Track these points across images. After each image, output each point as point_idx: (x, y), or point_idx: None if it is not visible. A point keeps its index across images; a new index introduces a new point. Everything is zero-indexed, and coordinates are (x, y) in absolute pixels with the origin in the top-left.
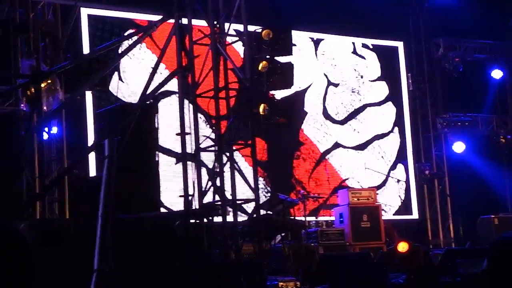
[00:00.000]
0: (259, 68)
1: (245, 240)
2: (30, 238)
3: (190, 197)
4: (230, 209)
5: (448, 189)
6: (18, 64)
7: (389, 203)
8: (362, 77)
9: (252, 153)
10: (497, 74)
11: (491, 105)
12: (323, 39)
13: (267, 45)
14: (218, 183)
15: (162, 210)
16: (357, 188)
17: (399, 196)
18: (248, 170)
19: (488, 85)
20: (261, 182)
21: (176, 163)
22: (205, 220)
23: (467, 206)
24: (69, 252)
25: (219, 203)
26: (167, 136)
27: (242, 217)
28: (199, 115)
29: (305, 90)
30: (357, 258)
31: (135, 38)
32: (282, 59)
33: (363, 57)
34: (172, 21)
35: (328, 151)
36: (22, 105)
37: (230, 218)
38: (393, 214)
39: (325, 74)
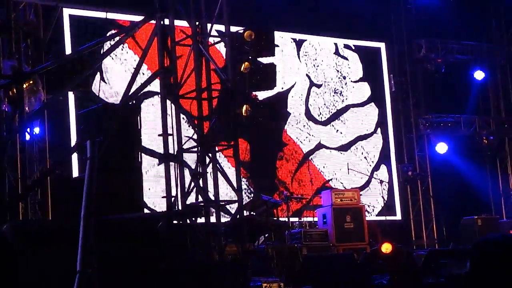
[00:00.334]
0: (242, 69)
1: (228, 240)
2: (12, 239)
3: (173, 198)
4: (213, 209)
5: (431, 190)
6: None
7: (372, 204)
8: (344, 78)
9: (235, 153)
10: (479, 75)
11: (474, 106)
12: (305, 40)
13: (250, 46)
14: (201, 183)
15: (145, 211)
16: (341, 189)
17: (382, 197)
18: (231, 171)
19: (470, 86)
20: (244, 183)
21: (159, 164)
22: (188, 220)
23: (450, 207)
24: (52, 253)
25: (202, 204)
26: (150, 137)
27: (225, 218)
28: (182, 115)
29: (287, 91)
30: (340, 259)
31: (117, 38)
32: (264, 60)
33: (345, 58)
34: (154, 21)
35: (311, 152)
36: (4, 105)
37: (213, 219)
38: (376, 215)
39: (307, 75)
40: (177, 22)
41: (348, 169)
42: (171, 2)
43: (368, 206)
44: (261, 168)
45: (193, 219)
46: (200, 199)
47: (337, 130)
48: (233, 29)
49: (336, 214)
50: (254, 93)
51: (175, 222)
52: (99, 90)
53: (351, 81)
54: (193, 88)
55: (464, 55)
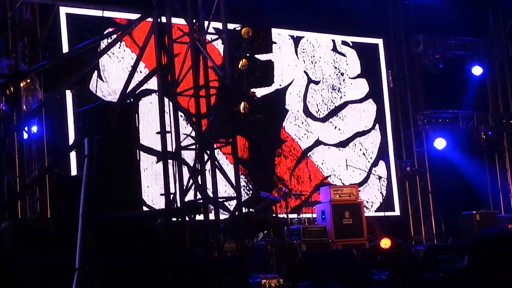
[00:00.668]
0: (239, 66)
1: (227, 237)
2: (11, 237)
3: (171, 195)
4: (211, 207)
5: (429, 186)
6: None
7: (371, 200)
8: (342, 74)
9: (233, 151)
10: (477, 70)
11: (472, 102)
12: (303, 37)
13: (247, 43)
14: (199, 181)
15: (144, 208)
16: (339, 185)
17: (381, 192)
18: (229, 168)
19: (468, 82)
20: (243, 180)
21: (157, 162)
22: (187, 218)
23: (449, 203)
24: (51, 251)
25: (200, 201)
26: (148, 135)
27: (224, 215)
28: (180, 113)
29: (285, 88)
30: (339, 255)
31: (114, 36)
32: (262, 57)
33: (343, 55)
34: (151, 19)
35: (309, 149)
36: (1, 104)
37: (212, 216)
38: (375, 211)
39: (305, 72)
40: (174, 20)
41: (347, 165)
42: None
43: (367, 202)
44: (260, 165)
45: (192, 216)
46: (199, 196)
47: (335, 127)
48: (231, 26)
49: (335, 210)
50: (252, 90)
51: (174, 219)
52: (97, 88)
53: (349, 78)
54: (190, 85)
55: (462, 51)
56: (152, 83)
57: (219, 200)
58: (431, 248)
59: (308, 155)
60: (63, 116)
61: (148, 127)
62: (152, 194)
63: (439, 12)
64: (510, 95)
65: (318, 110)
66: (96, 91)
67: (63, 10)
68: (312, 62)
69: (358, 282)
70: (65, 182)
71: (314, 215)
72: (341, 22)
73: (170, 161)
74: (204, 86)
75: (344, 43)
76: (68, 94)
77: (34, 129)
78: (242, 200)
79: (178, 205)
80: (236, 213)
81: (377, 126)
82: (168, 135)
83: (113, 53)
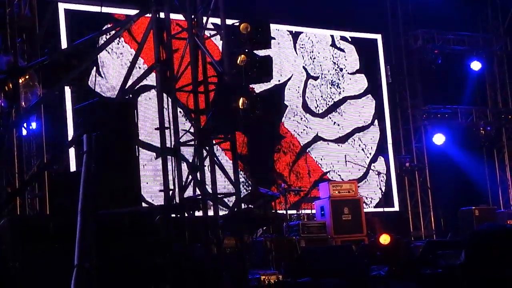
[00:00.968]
0: (238, 61)
1: (226, 233)
2: (10, 234)
3: (170, 192)
4: (211, 203)
5: (428, 181)
6: None
7: (370, 195)
8: (341, 70)
9: (232, 147)
10: (476, 65)
11: (471, 97)
12: (302, 32)
13: (246, 38)
14: (198, 177)
15: (143, 204)
16: (338, 181)
17: (380, 188)
18: (228, 164)
19: (467, 77)
20: (242, 175)
21: (156, 158)
22: (186, 214)
23: (448, 198)
24: (50, 248)
25: (199, 197)
26: (147, 131)
27: (223, 211)
28: (178, 109)
29: (284, 84)
30: (338, 251)
31: (113, 32)
32: (260, 52)
33: (342, 50)
34: (149, 15)
35: (308, 144)
36: (0, 101)
37: (211, 212)
38: (374, 207)
39: (304, 67)
40: (173, 16)
41: (346, 161)
42: None
43: (366, 197)
44: (259, 161)
45: (191, 212)
46: (198, 192)
47: (334, 122)
48: (229, 22)
49: (334, 206)
50: (250, 86)
51: (173, 215)
52: (95, 84)
53: (348, 73)
54: (189, 81)
55: (460, 46)
56: (151, 79)
57: (218, 196)
58: (430, 244)
59: (307, 151)
60: (62, 112)
61: (147, 123)
62: (151, 190)
63: (438, 7)
64: (509, 90)
65: (317, 105)
66: (95, 87)
67: (62, 6)
68: (311, 57)
69: (357, 278)
70: (64, 179)
71: (313, 211)
72: (340, 18)
73: (169, 157)
74: (203, 82)
75: (343, 38)
76: (67, 90)
77: (33, 125)
78: (241, 196)
79: (177, 201)
80: (235, 209)
81: (376, 122)
82: (167, 131)
83: (112, 49)
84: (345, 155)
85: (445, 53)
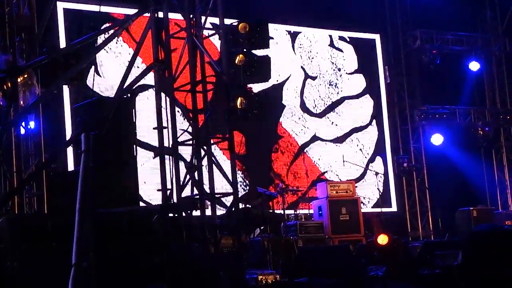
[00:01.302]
0: (236, 61)
1: (223, 233)
2: (8, 233)
3: (168, 191)
4: (208, 202)
5: (426, 182)
6: None
7: (367, 195)
8: (339, 70)
9: (230, 146)
10: (474, 66)
11: (469, 97)
12: (300, 32)
13: (244, 38)
14: (196, 176)
15: (141, 204)
16: (336, 181)
17: (378, 188)
18: (226, 164)
19: (465, 77)
20: (240, 175)
21: (154, 157)
22: (183, 213)
23: (446, 199)
24: (48, 247)
25: (197, 196)
26: (145, 130)
27: (220, 211)
28: (177, 108)
29: (282, 83)
30: (336, 251)
31: (111, 32)
32: (259, 52)
33: (340, 50)
34: (148, 14)
35: (306, 144)
36: None
37: (208, 211)
38: (372, 207)
39: (302, 67)
40: (171, 15)
41: (344, 161)
42: None
43: (364, 198)
44: (257, 160)
45: (189, 212)
46: (196, 192)
47: (332, 122)
48: (227, 21)
49: (332, 206)
50: (249, 85)
51: (170, 215)
52: (94, 83)
53: (346, 73)
54: (187, 81)
55: (459, 46)
56: (149, 78)
57: (216, 195)
58: (428, 244)
59: (305, 150)
60: (60, 112)
61: (145, 123)
62: (149, 190)
63: (437, 7)
64: (508, 90)
65: (315, 105)
66: (93, 86)
67: (61, 5)
68: (309, 57)
69: (355, 278)
70: (62, 178)
71: (311, 211)
72: (338, 18)
73: (167, 156)
74: (201, 81)
75: (341, 38)
76: (65, 89)
77: (32, 124)
78: (239, 196)
79: (175, 200)
80: (233, 209)
81: (374, 122)
82: (165, 131)
83: (110, 48)
84: (343, 155)
85: (443, 53)
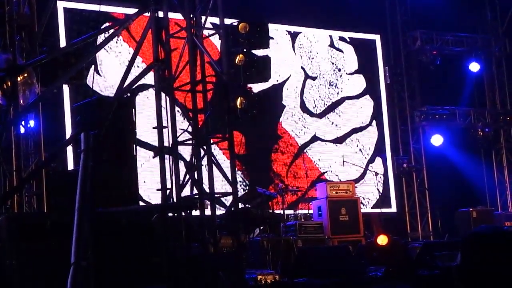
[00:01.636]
0: (236, 61)
1: (223, 233)
2: (7, 232)
3: (168, 191)
4: (208, 202)
5: (426, 182)
6: None
7: (367, 196)
8: (339, 70)
9: (230, 146)
10: (474, 67)
11: (469, 98)
12: (300, 32)
13: (244, 38)
14: (196, 176)
15: (141, 203)
16: (336, 181)
17: (377, 189)
18: (226, 164)
19: (465, 78)
20: (239, 175)
21: (153, 157)
22: (183, 213)
23: (445, 199)
24: (47, 245)
25: (197, 196)
26: (145, 130)
27: (220, 211)
28: (176, 108)
29: (282, 84)
30: (335, 251)
31: (111, 31)
32: (259, 52)
33: (340, 50)
34: (148, 14)
35: (306, 145)
36: None
37: (208, 211)
38: (372, 207)
39: (302, 67)
40: (171, 15)
41: (343, 161)
42: None
43: (363, 198)
44: (256, 160)
45: (188, 211)
46: (195, 191)
47: (332, 123)
48: (228, 21)
49: (331, 207)
50: (248, 85)
51: (170, 214)
52: (94, 83)
53: (346, 74)
54: (187, 80)
55: (459, 47)
56: (149, 78)
57: (215, 195)
58: (427, 245)
59: (305, 151)
60: (60, 111)
61: (144, 122)
62: (149, 189)
63: (437, 8)
64: (508, 92)
65: (315, 106)
66: (93, 86)
67: (61, 5)
68: (309, 57)
69: (354, 279)
70: (62, 177)
71: (311, 211)
72: (339, 18)
73: (166, 156)
74: (201, 81)
75: (342, 39)
76: (65, 88)
77: (31, 123)
78: (239, 196)
79: (175, 200)
80: (232, 209)
81: (374, 122)
82: (164, 130)
83: (110, 48)
84: (343, 156)
85: (443, 54)
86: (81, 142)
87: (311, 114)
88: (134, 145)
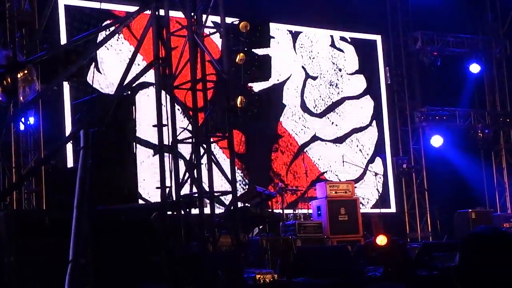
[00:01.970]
0: (237, 60)
1: (222, 232)
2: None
3: (167, 189)
4: (207, 201)
5: (425, 183)
6: None
7: (367, 196)
8: (340, 70)
9: (230, 145)
10: (475, 68)
11: (469, 99)
12: (301, 32)
13: (245, 37)
14: (195, 175)
15: (140, 201)
16: (335, 181)
17: (377, 189)
18: (225, 162)
19: (466, 79)
20: (239, 174)
21: (153, 155)
22: (182, 212)
23: (445, 200)
24: (46, 243)
25: (196, 195)
26: (145, 128)
27: (219, 209)
28: (177, 106)
29: (283, 83)
30: (334, 251)
31: (112, 29)
32: (260, 51)
33: (341, 50)
34: (149, 12)
35: (306, 144)
36: None
37: (207, 210)
38: (371, 208)
39: (303, 67)
40: (172, 13)
41: (343, 161)
42: None
43: (363, 198)
44: (256, 159)
45: (187, 210)
46: (195, 190)
47: (333, 123)
48: (229, 20)
49: (331, 206)
50: (249, 84)
51: (169, 213)
52: (94, 80)
53: (347, 74)
54: (188, 79)
55: (460, 48)
56: (150, 76)
57: (215, 194)
58: (426, 245)
59: (305, 150)
60: (60, 108)
61: (145, 120)
62: (148, 187)
63: (438, 9)
64: (508, 93)
65: (316, 105)
66: (93, 83)
67: (62, 2)
68: (310, 57)
69: (353, 279)
70: (61, 174)
71: (310, 211)
72: (340, 18)
73: (166, 154)
74: (201, 79)
75: (342, 39)
76: (66, 85)
77: (31, 120)
78: (238, 195)
79: (174, 198)
80: (232, 208)
81: (374, 123)
82: (164, 128)
83: (111, 45)
84: (343, 156)
85: (444, 55)
86: (81, 140)
87: (311, 113)
88: (134, 143)
